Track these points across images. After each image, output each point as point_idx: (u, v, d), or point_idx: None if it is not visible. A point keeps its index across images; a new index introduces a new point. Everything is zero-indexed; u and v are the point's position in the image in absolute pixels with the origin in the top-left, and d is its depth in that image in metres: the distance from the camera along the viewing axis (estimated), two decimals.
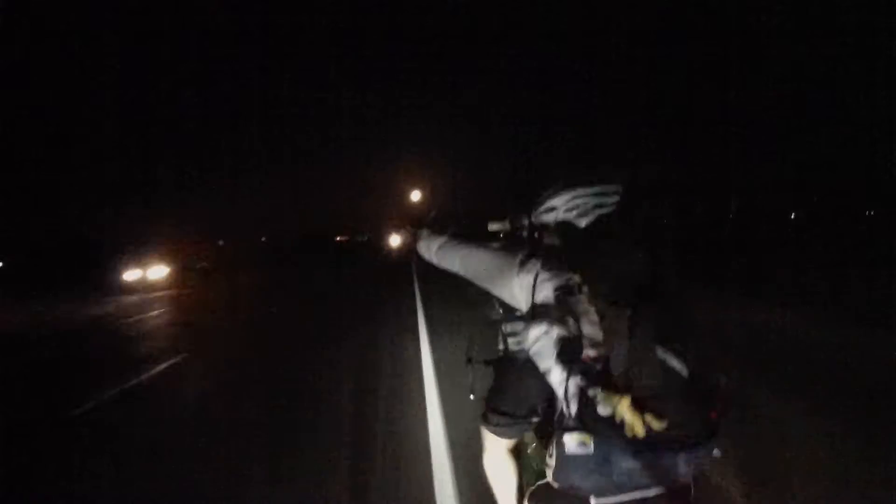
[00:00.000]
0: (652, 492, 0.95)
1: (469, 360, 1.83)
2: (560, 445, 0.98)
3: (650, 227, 1.18)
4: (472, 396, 1.77)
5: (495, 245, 1.36)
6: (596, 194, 1.19)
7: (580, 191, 1.20)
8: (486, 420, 1.57)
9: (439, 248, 1.48)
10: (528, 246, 1.41)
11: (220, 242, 42.32)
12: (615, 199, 1.20)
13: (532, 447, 1.62)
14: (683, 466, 0.94)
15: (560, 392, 0.98)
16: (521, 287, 1.17)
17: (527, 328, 1.07)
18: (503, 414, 1.50)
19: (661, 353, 0.93)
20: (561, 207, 1.22)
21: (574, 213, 1.20)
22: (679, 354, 0.94)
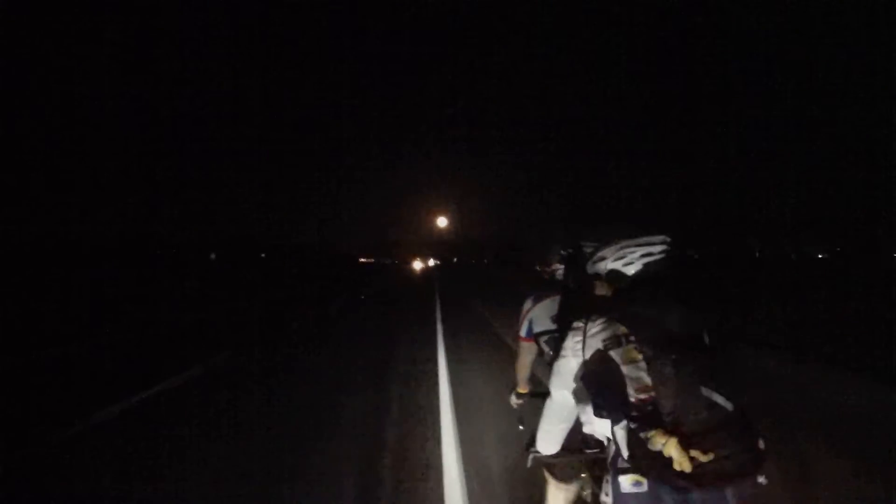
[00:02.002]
0: None
1: (518, 395, 1.97)
2: (616, 484, 1.09)
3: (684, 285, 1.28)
4: (521, 427, 1.86)
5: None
6: (642, 244, 1.31)
7: (627, 241, 1.33)
8: (538, 450, 1.62)
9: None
10: (570, 293, 1.66)
11: (212, 256, 35.69)
12: (661, 248, 1.31)
13: (586, 483, 1.69)
14: (731, 499, 1.01)
15: (611, 436, 1.08)
16: (572, 347, 1.29)
17: (575, 383, 1.21)
18: (561, 448, 1.56)
19: (705, 391, 1.02)
20: (610, 257, 1.35)
21: (622, 262, 1.32)
22: (722, 392, 1.03)
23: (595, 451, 1.49)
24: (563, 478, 1.64)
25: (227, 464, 2.99)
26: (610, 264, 1.35)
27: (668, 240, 1.34)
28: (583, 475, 1.67)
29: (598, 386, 1.15)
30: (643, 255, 1.31)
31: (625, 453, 1.04)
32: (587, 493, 1.69)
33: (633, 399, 1.08)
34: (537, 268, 1.97)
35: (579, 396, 1.27)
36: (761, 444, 1.03)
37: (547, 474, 1.69)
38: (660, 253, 1.31)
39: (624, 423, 1.05)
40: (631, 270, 1.32)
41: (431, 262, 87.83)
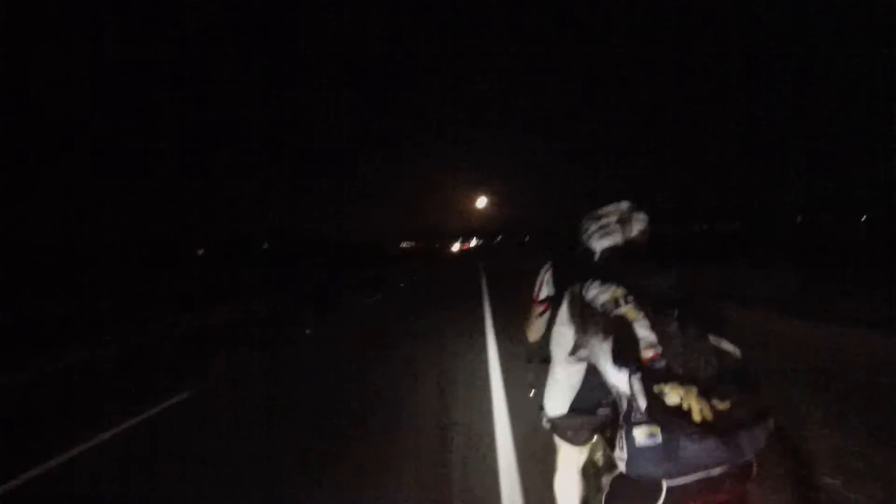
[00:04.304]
0: (717, 470, 1.04)
1: (529, 360, 1.91)
2: (630, 438, 1.06)
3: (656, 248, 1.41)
4: (532, 392, 1.84)
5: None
6: (597, 217, 1.44)
7: (586, 221, 1.47)
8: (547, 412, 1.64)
9: None
10: (562, 261, 1.63)
11: (200, 252, 26.85)
12: (615, 217, 1.43)
13: (598, 446, 1.68)
14: (746, 444, 1.02)
15: (627, 391, 1.08)
16: (569, 312, 1.37)
17: (584, 340, 1.24)
18: (570, 409, 1.55)
19: (713, 340, 1.09)
20: (582, 233, 1.48)
21: (586, 236, 1.46)
22: (730, 338, 1.10)
23: (606, 411, 1.48)
24: (575, 440, 1.62)
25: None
26: (585, 240, 1.47)
27: (623, 207, 1.44)
28: (594, 439, 1.65)
29: (615, 338, 1.18)
30: (600, 229, 1.42)
31: (642, 404, 1.04)
32: (599, 455, 1.70)
33: (641, 359, 1.10)
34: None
35: (595, 351, 1.23)
36: (763, 391, 1.08)
37: (557, 438, 1.67)
38: (616, 222, 1.41)
39: (639, 374, 1.07)
40: (595, 246, 1.43)
41: (473, 243, 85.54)
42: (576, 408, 1.52)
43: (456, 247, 78.04)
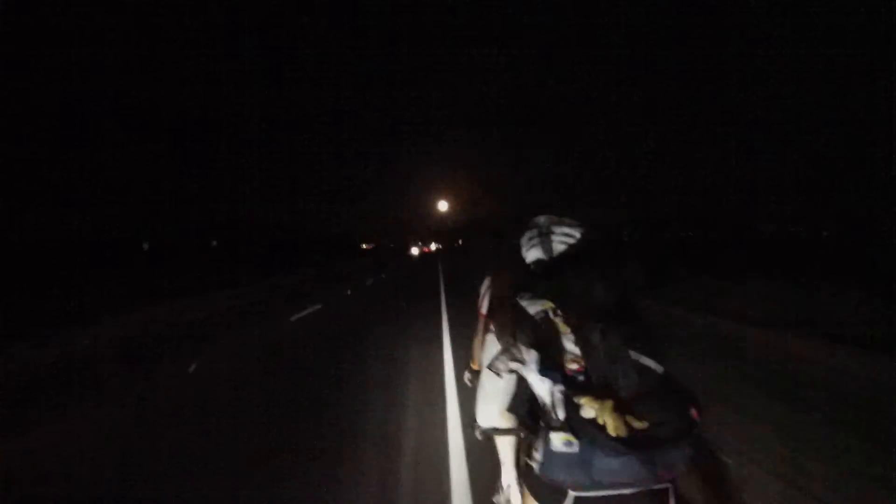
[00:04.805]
0: (629, 491, 1.03)
1: (472, 371, 1.93)
2: (547, 442, 1.07)
3: (601, 260, 1.31)
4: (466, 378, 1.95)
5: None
6: (526, 230, 1.45)
7: (523, 234, 1.46)
8: (479, 424, 1.66)
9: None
10: (498, 272, 1.68)
11: (145, 246, 25.53)
12: (534, 231, 1.42)
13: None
14: (662, 467, 1.00)
15: (548, 401, 1.08)
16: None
17: (514, 350, 1.22)
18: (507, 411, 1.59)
19: (633, 354, 1.07)
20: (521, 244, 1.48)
21: (522, 249, 1.45)
22: (651, 354, 1.08)
23: (530, 417, 1.51)
24: (506, 431, 1.65)
25: None
26: (522, 251, 1.47)
27: (542, 221, 1.42)
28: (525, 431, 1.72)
29: (540, 347, 1.19)
30: (528, 241, 1.42)
31: (561, 415, 1.04)
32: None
33: (565, 370, 1.11)
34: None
35: (521, 360, 1.24)
36: (693, 412, 1.04)
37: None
38: (537, 237, 1.40)
39: (561, 386, 1.07)
40: (527, 257, 1.42)
41: (434, 247, 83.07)
42: (511, 410, 1.54)
43: (415, 250, 72.64)
